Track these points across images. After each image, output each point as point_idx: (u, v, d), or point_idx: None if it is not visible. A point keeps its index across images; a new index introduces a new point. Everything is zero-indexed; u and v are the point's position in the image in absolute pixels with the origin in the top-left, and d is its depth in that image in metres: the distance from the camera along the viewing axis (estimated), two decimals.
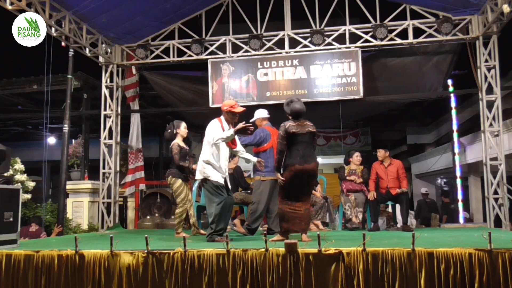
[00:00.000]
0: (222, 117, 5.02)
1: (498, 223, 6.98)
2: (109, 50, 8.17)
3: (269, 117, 5.94)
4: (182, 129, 5.98)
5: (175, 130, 5.93)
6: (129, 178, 8.62)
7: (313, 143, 4.79)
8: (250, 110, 5.74)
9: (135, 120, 8.80)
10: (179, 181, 5.77)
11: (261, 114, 5.83)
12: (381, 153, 6.64)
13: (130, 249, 3.95)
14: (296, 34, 7.82)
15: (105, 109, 8.20)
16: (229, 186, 5.04)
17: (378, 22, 7.48)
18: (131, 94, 8.71)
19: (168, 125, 6.06)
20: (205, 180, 4.87)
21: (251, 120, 5.59)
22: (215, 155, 4.87)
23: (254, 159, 5.21)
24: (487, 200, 7.08)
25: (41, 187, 7.95)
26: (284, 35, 7.84)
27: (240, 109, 5.04)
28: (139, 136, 8.80)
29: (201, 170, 4.89)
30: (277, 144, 4.57)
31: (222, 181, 4.87)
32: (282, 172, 4.57)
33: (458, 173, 9.41)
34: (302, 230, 4.58)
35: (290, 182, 4.49)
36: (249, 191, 6.66)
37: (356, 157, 6.82)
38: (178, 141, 5.88)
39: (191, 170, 5.90)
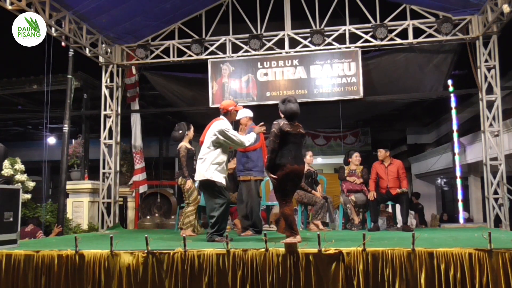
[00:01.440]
0: (223, 117, 5.00)
1: (498, 223, 6.98)
2: (109, 50, 8.18)
3: (253, 116, 5.89)
4: (191, 131, 6.03)
5: (186, 132, 5.94)
6: (136, 178, 8.65)
7: (302, 145, 4.73)
8: (250, 110, 5.73)
9: (136, 120, 8.82)
10: (190, 182, 5.77)
11: (247, 113, 5.67)
12: (381, 153, 6.64)
13: (130, 249, 3.95)
14: (296, 34, 7.82)
15: (105, 109, 8.20)
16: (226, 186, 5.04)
17: (378, 22, 7.48)
18: (131, 94, 8.73)
19: (177, 125, 6.04)
20: (207, 182, 4.84)
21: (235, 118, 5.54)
22: (218, 157, 4.86)
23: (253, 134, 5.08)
24: (487, 200, 7.08)
25: (41, 187, 7.94)
26: (284, 35, 7.83)
27: (241, 107, 5.29)
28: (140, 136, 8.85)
29: (203, 171, 4.85)
30: (270, 142, 4.39)
31: (224, 182, 4.87)
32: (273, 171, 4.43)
33: (458, 173, 9.42)
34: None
35: (283, 182, 4.36)
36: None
37: (356, 157, 6.81)
38: (185, 143, 5.90)
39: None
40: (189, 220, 5.72)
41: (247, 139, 4.95)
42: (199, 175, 4.90)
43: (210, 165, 4.82)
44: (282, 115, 4.51)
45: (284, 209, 4.41)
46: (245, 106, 5.53)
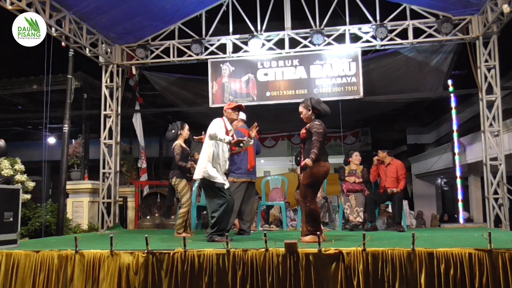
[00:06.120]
0: (225, 118, 5.02)
1: (498, 223, 6.98)
2: (109, 50, 8.17)
3: (245, 120, 5.96)
4: (186, 130, 6.02)
5: (179, 131, 5.94)
6: (145, 177, 8.67)
7: None
8: (250, 110, 5.74)
9: (138, 120, 8.84)
10: (184, 182, 5.78)
11: (239, 115, 5.77)
12: (380, 154, 6.69)
13: (130, 249, 3.95)
14: (296, 34, 7.82)
15: (105, 109, 8.20)
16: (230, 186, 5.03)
17: (378, 22, 7.48)
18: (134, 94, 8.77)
19: (171, 125, 6.06)
20: (206, 181, 4.84)
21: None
22: (216, 156, 4.86)
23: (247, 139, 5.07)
24: (487, 200, 7.08)
25: (41, 187, 7.92)
26: (284, 35, 7.83)
27: (233, 104, 5.16)
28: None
29: (202, 170, 4.85)
30: (318, 142, 4.47)
31: (225, 182, 4.87)
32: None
33: (458, 173, 9.42)
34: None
35: (322, 179, 4.61)
36: None
37: (356, 157, 6.81)
38: (180, 142, 5.92)
39: (191, 171, 5.91)
40: (179, 222, 5.73)
41: (219, 134, 4.76)
42: (198, 174, 4.91)
43: (207, 164, 4.82)
44: (312, 114, 4.66)
45: (316, 206, 4.57)
46: (245, 107, 5.51)
